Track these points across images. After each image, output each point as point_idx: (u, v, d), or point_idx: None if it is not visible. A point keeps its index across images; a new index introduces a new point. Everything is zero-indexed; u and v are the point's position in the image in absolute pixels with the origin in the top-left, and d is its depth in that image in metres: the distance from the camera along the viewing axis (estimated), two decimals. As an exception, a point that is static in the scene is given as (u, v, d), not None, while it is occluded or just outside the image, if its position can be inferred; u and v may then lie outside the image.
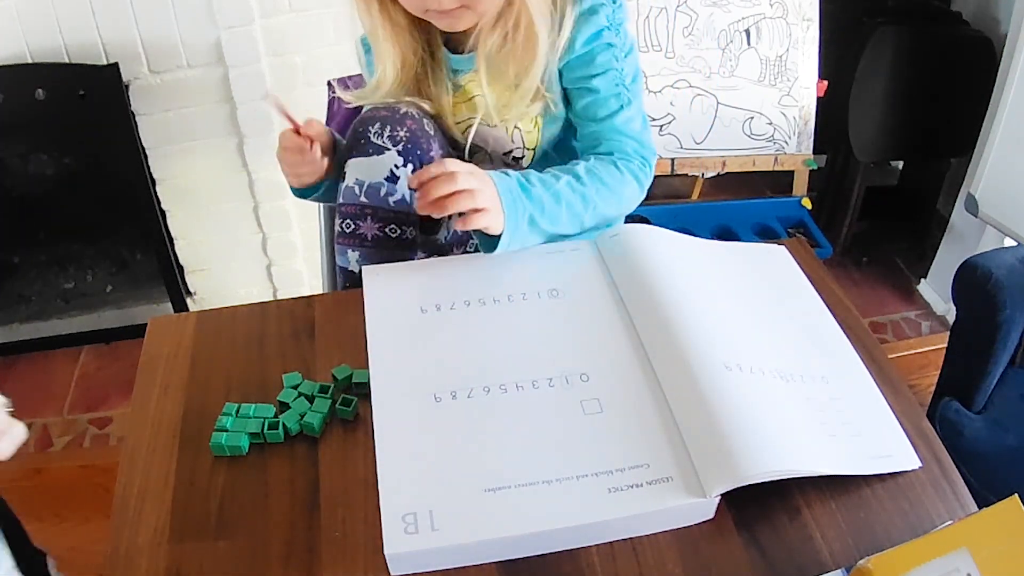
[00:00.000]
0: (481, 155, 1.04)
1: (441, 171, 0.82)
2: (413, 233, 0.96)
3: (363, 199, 0.94)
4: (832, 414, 0.72)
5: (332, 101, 1.43)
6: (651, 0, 1.88)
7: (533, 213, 0.86)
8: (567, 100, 0.99)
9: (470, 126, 1.00)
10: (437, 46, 0.98)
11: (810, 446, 0.67)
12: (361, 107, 1.04)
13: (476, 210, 0.82)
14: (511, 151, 1.01)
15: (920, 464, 0.70)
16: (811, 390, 0.74)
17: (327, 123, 1.43)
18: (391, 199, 0.93)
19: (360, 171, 0.94)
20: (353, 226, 0.95)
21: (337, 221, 0.97)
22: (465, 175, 0.82)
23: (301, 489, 0.69)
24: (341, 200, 0.96)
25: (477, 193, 0.82)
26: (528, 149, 1.01)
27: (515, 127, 0.99)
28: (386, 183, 0.93)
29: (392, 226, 0.94)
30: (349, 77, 1.43)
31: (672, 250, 0.87)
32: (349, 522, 0.66)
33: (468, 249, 1.07)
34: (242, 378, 0.79)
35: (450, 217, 0.94)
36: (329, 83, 1.44)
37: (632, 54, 0.96)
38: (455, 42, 0.98)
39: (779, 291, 0.87)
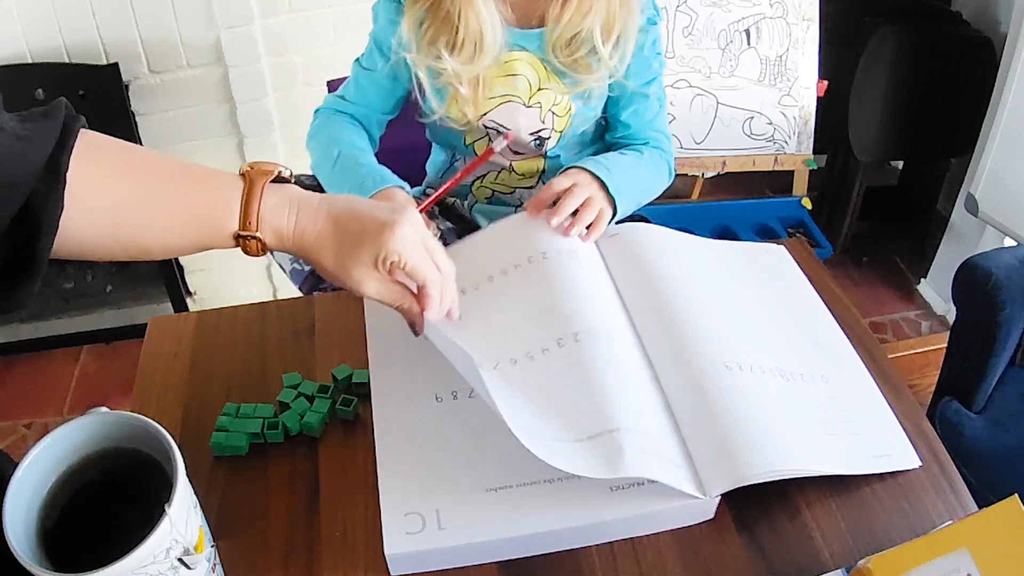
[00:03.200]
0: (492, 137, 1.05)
1: (559, 189, 0.87)
2: None
3: (307, 268, 0.97)
4: (832, 413, 0.72)
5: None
6: (651, 0, 1.88)
7: (627, 192, 0.93)
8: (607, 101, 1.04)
9: (501, 104, 1.00)
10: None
11: (810, 446, 0.67)
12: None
13: (597, 218, 0.88)
14: (539, 131, 1.03)
15: (920, 463, 0.70)
16: (811, 389, 0.74)
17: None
18: None
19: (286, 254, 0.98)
20: (324, 290, 1.01)
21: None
22: (579, 187, 0.88)
23: (301, 489, 0.69)
24: (297, 285, 1.04)
25: (593, 201, 0.88)
26: (556, 131, 1.03)
27: (550, 110, 1.01)
28: None
29: None
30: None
31: (672, 249, 0.87)
32: (349, 522, 0.66)
33: None
34: (242, 378, 0.79)
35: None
36: (329, 84, 1.44)
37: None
38: (516, 16, 0.98)
39: (779, 290, 0.87)
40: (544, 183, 1.09)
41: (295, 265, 1.06)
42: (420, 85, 0.99)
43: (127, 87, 1.70)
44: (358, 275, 0.63)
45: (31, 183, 0.50)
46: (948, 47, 1.98)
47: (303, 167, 1.96)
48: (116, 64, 1.65)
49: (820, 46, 1.94)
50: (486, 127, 1.03)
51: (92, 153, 0.55)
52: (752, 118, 1.97)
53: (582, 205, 0.87)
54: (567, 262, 0.81)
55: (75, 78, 1.62)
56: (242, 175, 0.62)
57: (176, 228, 0.60)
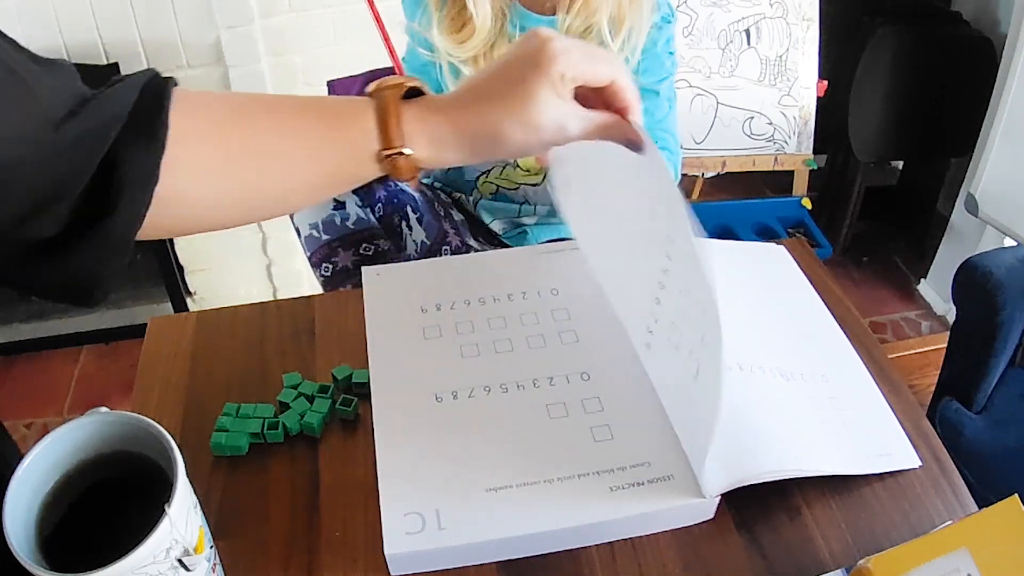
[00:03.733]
0: None
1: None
2: (387, 244, 0.98)
3: (324, 237, 0.96)
4: (832, 413, 0.72)
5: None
6: (651, 0, 1.88)
7: None
8: None
9: None
10: (508, 3, 1.00)
11: (810, 446, 0.67)
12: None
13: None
14: None
15: (920, 463, 0.70)
16: (811, 389, 0.74)
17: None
18: (348, 223, 0.96)
19: (308, 217, 0.99)
20: (331, 265, 0.97)
21: (316, 273, 1.00)
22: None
23: (301, 489, 0.69)
24: (308, 252, 1.01)
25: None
26: None
27: None
28: (336, 212, 0.96)
29: (364, 245, 0.97)
30: (349, 77, 1.43)
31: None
32: (349, 522, 0.66)
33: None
34: (242, 378, 0.79)
35: (419, 223, 1.00)
36: (329, 84, 1.44)
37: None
38: (531, 2, 0.99)
39: (778, 290, 0.87)
40: (549, 178, 1.10)
41: (312, 232, 1.03)
42: (440, 64, 1.00)
43: (127, 87, 1.70)
44: (550, 116, 0.53)
45: (112, 131, 0.45)
46: (948, 47, 1.98)
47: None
48: (116, 64, 1.65)
49: (820, 46, 1.94)
50: None
51: (185, 106, 0.50)
52: (752, 118, 1.97)
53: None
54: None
55: (75, 78, 1.62)
56: (368, 95, 0.55)
57: (304, 164, 0.53)
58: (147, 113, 0.47)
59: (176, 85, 0.51)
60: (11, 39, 0.44)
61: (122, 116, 0.46)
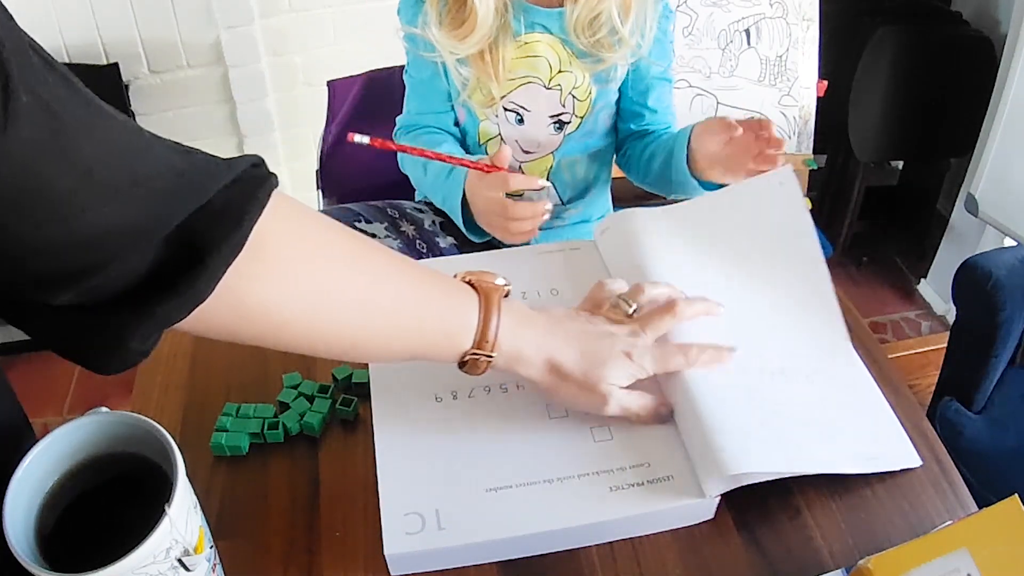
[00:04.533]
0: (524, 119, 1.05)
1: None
2: None
3: None
4: (833, 413, 0.72)
5: (332, 102, 1.43)
6: (651, 0, 1.88)
7: None
8: (625, 90, 1.06)
9: (522, 85, 1.01)
10: None
11: (811, 445, 0.67)
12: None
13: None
14: (560, 115, 1.04)
15: (921, 462, 0.70)
16: (811, 389, 0.73)
17: (327, 124, 1.43)
18: None
19: None
20: None
21: None
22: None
23: (301, 489, 0.69)
24: None
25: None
26: (576, 116, 1.04)
27: (570, 93, 1.02)
28: None
29: None
30: (349, 77, 1.43)
31: (665, 236, 0.84)
32: (349, 522, 0.66)
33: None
34: (242, 378, 0.79)
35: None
36: (329, 84, 1.44)
37: None
38: None
39: (779, 241, 0.83)
40: (552, 181, 1.10)
41: None
42: (444, 66, 1.00)
43: (127, 87, 1.70)
44: (605, 389, 0.62)
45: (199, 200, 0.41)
46: (948, 47, 1.98)
47: (303, 167, 1.97)
48: (116, 64, 1.65)
49: (820, 46, 1.94)
50: (506, 109, 1.03)
51: (295, 218, 0.47)
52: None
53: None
54: None
55: (75, 78, 1.62)
56: (471, 284, 0.57)
57: (398, 335, 0.52)
58: (238, 202, 0.43)
59: (275, 185, 0.47)
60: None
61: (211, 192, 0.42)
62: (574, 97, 1.02)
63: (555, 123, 1.04)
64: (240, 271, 0.43)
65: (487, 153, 1.08)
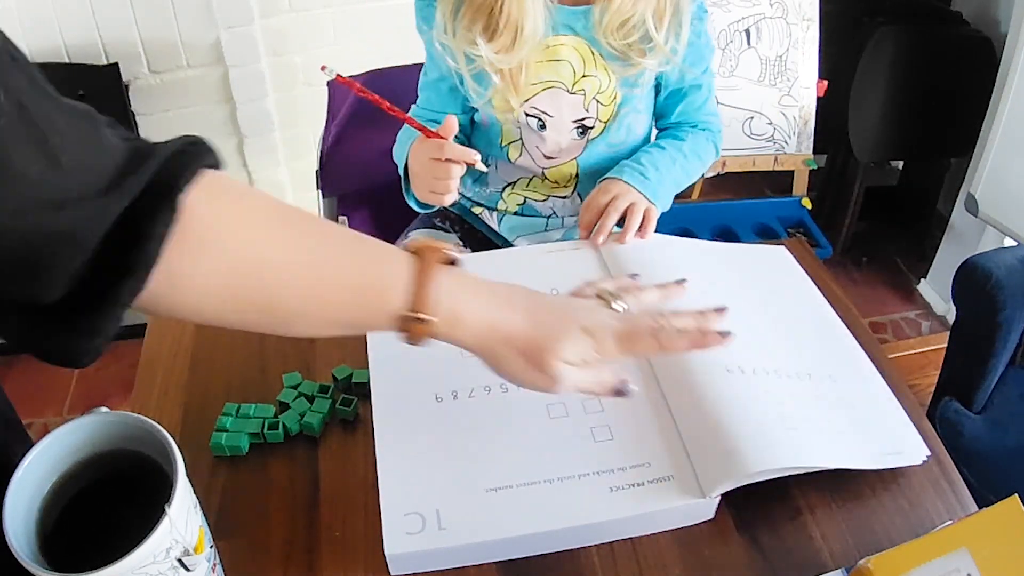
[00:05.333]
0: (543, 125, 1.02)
1: (598, 207, 0.91)
2: None
3: None
4: (840, 412, 0.71)
5: (332, 102, 1.43)
6: (651, 0, 1.88)
7: (664, 190, 0.97)
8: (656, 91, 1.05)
9: (544, 90, 0.98)
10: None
11: (813, 443, 0.67)
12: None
13: (645, 219, 0.91)
14: (583, 119, 1.01)
15: (928, 454, 0.70)
16: (819, 390, 0.73)
17: (327, 124, 1.43)
18: None
19: None
20: None
21: None
22: (618, 198, 0.91)
23: (301, 489, 0.69)
24: None
25: (637, 206, 0.91)
26: (600, 121, 1.01)
27: (595, 98, 0.99)
28: None
29: None
30: (349, 77, 1.43)
31: (673, 253, 0.87)
32: (349, 522, 0.66)
33: None
34: (242, 378, 0.79)
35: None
36: (329, 84, 1.43)
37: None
38: None
39: (782, 290, 0.87)
40: (578, 191, 1.08)
41: None
42: (459, 73, 0.97)
43: (127, 87, 1.70)
44: (556, 369, 0.57)
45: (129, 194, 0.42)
46: (948, 47, 1.98)
47: (303, 167, 1.97)
48: (116, 64, 1.65)
49: (820, 46, 1.94)
50: (527, 115, 1.00)
51: (222, 191, 0.47)
52: (752, 118, 1.97)
53: (627, 211, 0.90)
54: None
55: (75, 78, 1.62)
56: (410, 251, 0.55)
57: (329, 297, 0.51)
58: (167, 185, 0.44)
59: (210, 161, 0.48)
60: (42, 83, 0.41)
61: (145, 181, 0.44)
62: (598, 102, 0.99)
63: (578, 128, 1.01)
64: (171, 245, 0.44)
65: (508, 158, 1.06)
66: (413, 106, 1.07)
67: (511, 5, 0.89)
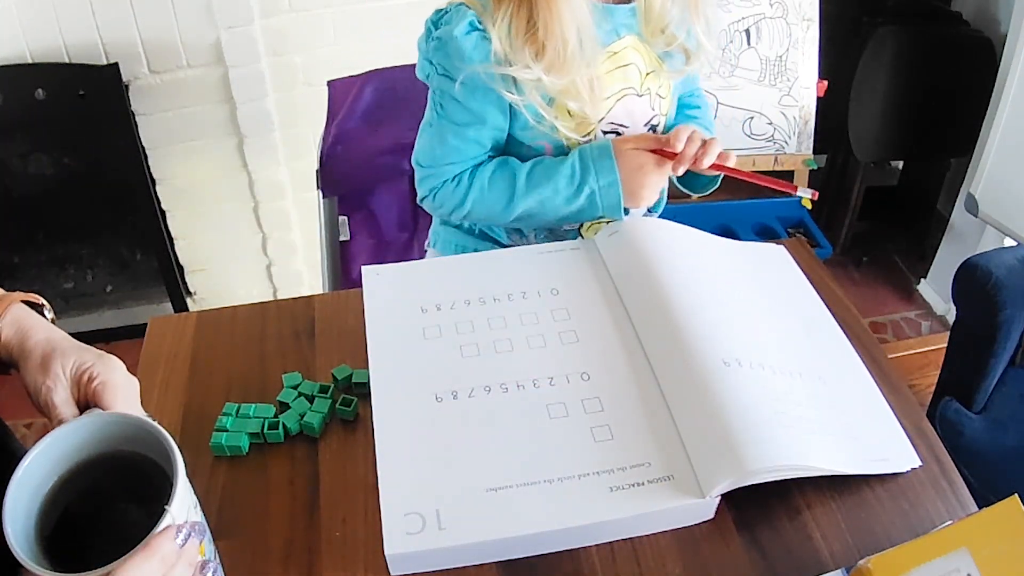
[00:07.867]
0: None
1: (685, 135, 0.89)
2: None
3: None
4: (833, 414, 0.72)
5: (332, 102, 1.43)
6: (651, 0, 1.88)
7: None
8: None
9: (618, 100, 0.92)
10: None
11: (811, 445, 0.67)
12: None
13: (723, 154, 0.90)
14: (651, 119, 0.97)
15: (920, 463, 0.70)
16: (812, 389, 0.73)
17: (327, 124, 1.43)
18: None
19: None
20: None
21: None
22: (697, 131, 0.90)
23: (301, 489, 0.69)
24: None
25: (696, 131, 0.90)
26: (662, 115, 0.98)
27: (657, 94, 0.96)
28: None
29: None
30: (349, 77, 1.43)
31: (672, 242, 0.86)
32: (349, 522, 0.66)
33: None
34: (242, 378, 0.79)
35: None
36: (329, 84, 1.44)
37: None
38: None
39: (779, 289, 0.87)
40: None
41: None
42: (512, 106, 0.88)
43: (127, 87, 1.70)
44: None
45: None
46: (948, 47, 1.98)
47: (303, 167, 1.96)
48: (116, 64, 1.65)
49: (820, 46, 1.94)
50: (604, 132, 0.93)
51: None
52: (752, 118, 1.97)
53: (689, 139, 0.89)
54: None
55: (75, 78, 1.62)
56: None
57: None
58: None
59: None
60: None
61: None
62: (660, 97, 0.96)
63: (650, 130, 0.97)
64: None
65: None
66: (431, 169, 0.94)
67: (550, 21, 0.81)
